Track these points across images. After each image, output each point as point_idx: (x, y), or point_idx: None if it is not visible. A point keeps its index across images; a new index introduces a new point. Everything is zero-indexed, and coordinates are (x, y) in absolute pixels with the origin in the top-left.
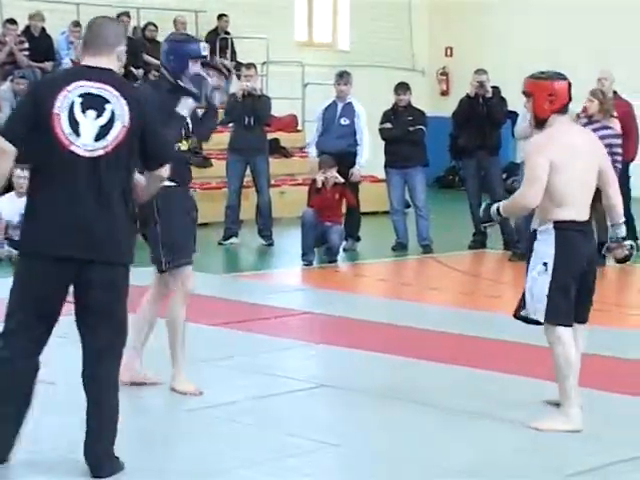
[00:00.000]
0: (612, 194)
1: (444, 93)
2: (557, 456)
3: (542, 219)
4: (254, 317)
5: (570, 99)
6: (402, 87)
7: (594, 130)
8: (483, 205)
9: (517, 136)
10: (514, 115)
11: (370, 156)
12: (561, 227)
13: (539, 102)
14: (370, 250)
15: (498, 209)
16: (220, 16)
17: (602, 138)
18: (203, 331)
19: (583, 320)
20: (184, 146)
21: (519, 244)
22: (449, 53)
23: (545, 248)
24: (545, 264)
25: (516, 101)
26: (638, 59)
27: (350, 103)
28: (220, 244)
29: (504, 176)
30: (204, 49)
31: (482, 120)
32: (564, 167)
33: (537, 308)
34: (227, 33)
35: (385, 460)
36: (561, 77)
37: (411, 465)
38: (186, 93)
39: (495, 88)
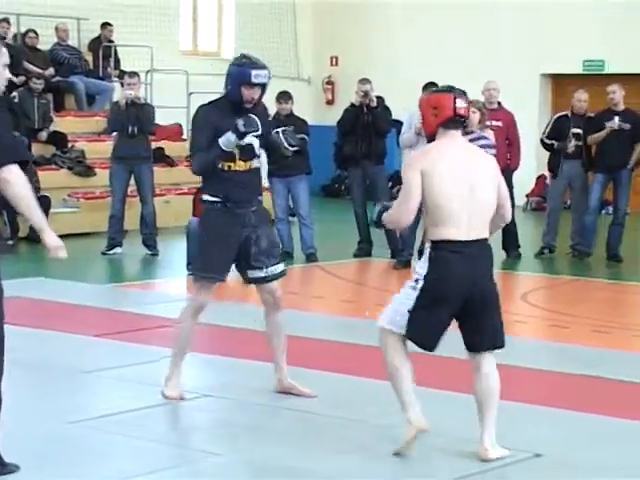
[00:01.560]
0: (508, 215)
1: (330, 102)
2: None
3: (426, 238)
4: (137, 327)
5: (456, 113)
6: (284, 96)
7: (471, 140)
8: (378, 207)
9: (402, 145)
10: (399, 124)
11: None
12: (436, 247)
13: (425, 116)
14: None
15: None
16: (104, 24)
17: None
18: (84, 342)
19: (476, 349)
20: (240, 167)
21: (404, 252)
22: (334, 62)
23: (420, 266)
24: (416, 281)
25: (401, 110)
26: (515, 73)
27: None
28: (104, 254)
29: (390, 184)
30: (256, 77)
31: (367, 129)
32: (438, 182)
33: (395, 320)
34: (110, 41)
35: (267, 470)
36: (448, 90)
37: (293, 476)
38: (234, 127)
39: (379, 98)
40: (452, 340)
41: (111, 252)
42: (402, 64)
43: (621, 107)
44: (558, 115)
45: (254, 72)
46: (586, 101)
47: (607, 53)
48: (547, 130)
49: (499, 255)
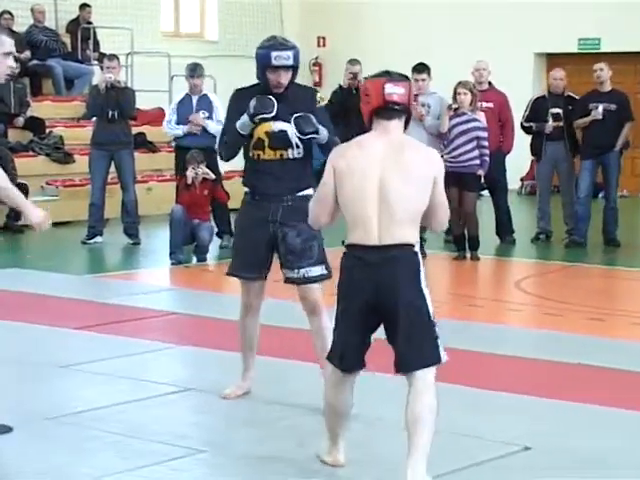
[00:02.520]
0: (440, 220)
1: (317, 84)
2: None
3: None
4: (118, 319)
5: (386, 100)
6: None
7: (462, 123)
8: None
9: None
10: None
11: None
12: (346, 252)
13: (361, 104)
14: None
15: None
16: (82, 5)
17: (470, 131)
18: (64, 335)
19: (398, 369)
20: (269, 156)
21: None
22: (322, 43)
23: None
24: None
25: None
26: (506, 56)
27: (205, 95)
28: (84, 243)
29: None
30: (277, 59)
31: (356, 113)
32: (349, 183)
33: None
34: (89, 23)
35: (252, 465)
36: (380, 75)
37: (281, 470)
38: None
39: None
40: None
41: (91, 241)
42: (393, 43)
43: (607, 87)
44: (535, 96)
45: (274, 54)
46: (562, 79)
47: (603, 31)
48: (526, 113)
49: (493, 241)
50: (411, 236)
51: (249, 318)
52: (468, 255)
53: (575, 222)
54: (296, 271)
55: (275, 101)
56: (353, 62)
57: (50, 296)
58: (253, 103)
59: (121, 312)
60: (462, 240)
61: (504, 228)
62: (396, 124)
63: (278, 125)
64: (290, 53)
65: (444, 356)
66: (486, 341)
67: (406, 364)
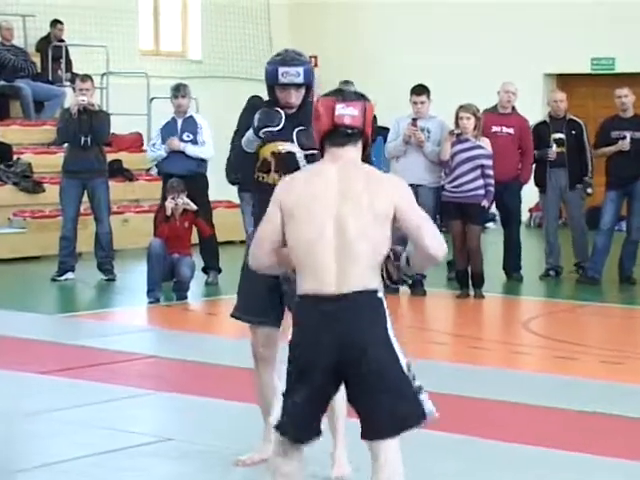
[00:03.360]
0: (432, 251)
1: None
2: None
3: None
4: (92, 363)
5: (335, 123)
6: (255, 99)
7: (465, 150)
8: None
9: (388, 155)
10: (385, 131)
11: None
12: (298, 304)
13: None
14: (229, 284)
15: None
16: (53, 22)
17: (474, 159)
18: (33, 380)
19: (365, 436)
20: (271, 181)
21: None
22: (314, 63)
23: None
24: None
25: (387, 116)
26: (513, 77)
27: (191, 116)
28: (54, 280)
29: None
30: (285, 75)
31: None
32: (297, 222)
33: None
34: (61, 41)
35: None
36: (333, 94)
37: None
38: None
39: None
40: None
41: (62, 278)
42: (390, 64)
43: (630, 112)
44: (536, 123)
45: (282, 70)
46: (562, 101)
47: (618, 50)
48: None
49: (498, 277)
50: (374, 280)
51: (260, 372)
52: (472, 293)
53: (592, 255)
54: None
55: (282, 114)
56: (346, 83)
57: (16, 338)
58: (258, 115)
59: (94, 355)
60: (465, 277)
61: (512, 263)
62: (350, 150)
63: (286, 146)
64: (300, 69)
65: (431, 410)
66: (491, 387)
67: (377, 430)
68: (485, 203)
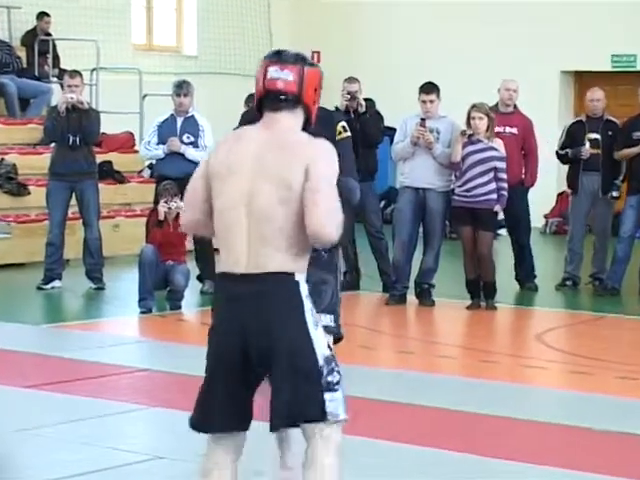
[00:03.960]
0: (312, 222)
1: None
2: None
3: None
4: (79, 376)
5: (266, 87)
6: (251, 98)
7: (477, 151)
8: None
9: (395, 157)
10: (392, 132)
11: None
12: (216, 283)
13: None
14: None
15: None
16: (40, 14)
17: (486, 161)
18: (17, 395)
19: (271, 426)
20: None
21: (397, 285)
22: (315, 59)
23: None
24: None
25: (394, 116)
26: (529, 74)
27: (192, 116)
28: (40, 289)
29: (381, 204)
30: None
31: (354, 139)
32: (219, 182)
33: None
34: (48, 34)
35: None
36: (269, 57)
37: None
38: None
39: (369, 101)
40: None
41: (48, 286)
42: (396, 60)
43: None
44: (571, 122)
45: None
46: (600, 100)
47: (639, 47)
48: (561, 140)
49: (512, 287)
50: (290, 262)
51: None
52: (483, 304)
53: (612, 264)
54: None
55: None
56: (351, 80)
57: (0, 349)
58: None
59: (82, 368)
60: (476, 286)
61: (525, 273)
62: (286, 117)
63: None
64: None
65: (335, 413)
66: (503, 403)
67: (272, 419)
68: (498, 208)
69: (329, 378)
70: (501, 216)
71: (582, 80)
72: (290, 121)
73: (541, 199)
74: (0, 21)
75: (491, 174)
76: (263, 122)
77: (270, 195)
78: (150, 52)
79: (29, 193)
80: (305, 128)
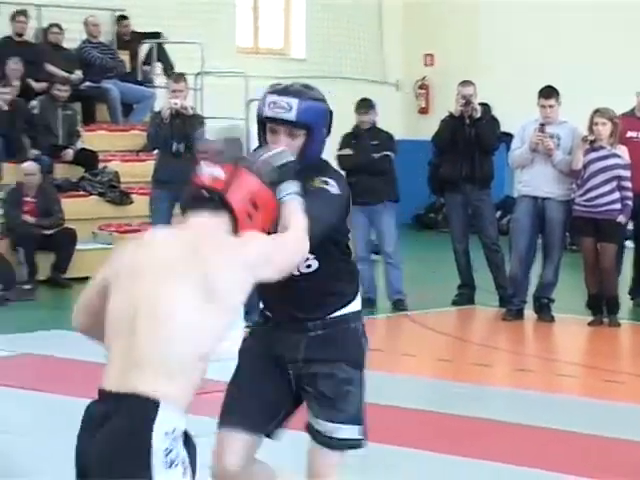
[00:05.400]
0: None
1: (423, 111)
2: None
3: None
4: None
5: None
6: (364, 105)
7: (599, 159)
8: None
9: (512, 164)
10: (509, 138)
11: None
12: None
13: None
14: None
15: None
16: (120, 18)
17: (610, 169)
18: None
19: None
20: None
21: (515, 299)
22: (429, 62)
23: None
24: None
25: (511, 120)
26: None
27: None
28: None
29: (498, 214)
30: (271, 105)
31: (469, 145)
32: (112, 299)
33: None
34: (151, 37)
35: None
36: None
37: None
38: None
39: (485, 106)
40: None
41: None
42: (516, 63)
43: None
44: None
45: (270, 99)
46: None
47: None
48: None
49: (626, 302)
50: (170, 384)
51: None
52: (606, 320)
53: None
54: (321, 422)
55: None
56: (465, 84)
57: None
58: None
59: None
60: (598, 301)
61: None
62: (205, 222)
63: None
64: (292, 100)
65: None
66: (631, 426)
67: None
68: (622, 219)
69: None
70: (630, 226)
71: None
72: (213, 226)
73: None
74: (104, 24)
75: (614, 183)
76: (181, 223)
77: (164, 314)
78: (256, 55)
79: (132, 202)
80: None
